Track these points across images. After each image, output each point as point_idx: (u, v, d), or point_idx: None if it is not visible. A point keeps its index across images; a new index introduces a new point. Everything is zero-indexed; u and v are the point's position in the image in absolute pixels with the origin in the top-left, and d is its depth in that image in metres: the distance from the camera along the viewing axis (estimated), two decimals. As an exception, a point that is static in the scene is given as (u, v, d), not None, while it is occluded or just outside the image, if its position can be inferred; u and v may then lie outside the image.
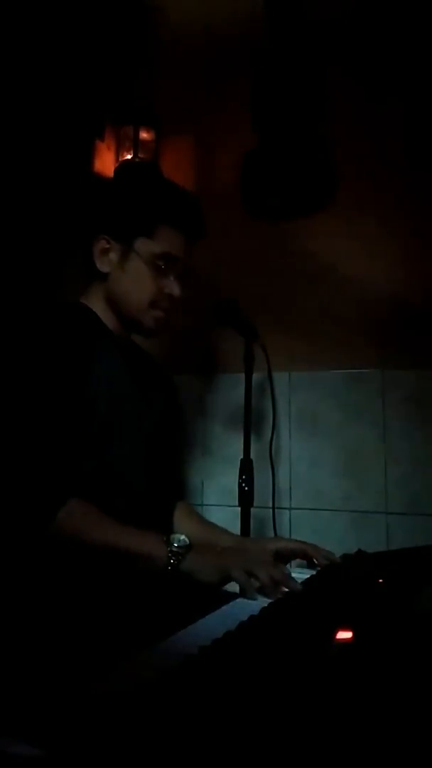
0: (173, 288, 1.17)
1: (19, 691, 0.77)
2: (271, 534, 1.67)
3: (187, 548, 0.96)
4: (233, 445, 1.69)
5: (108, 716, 0.46)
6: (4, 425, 1.00)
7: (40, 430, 0.99)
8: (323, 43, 1.79)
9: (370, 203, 1.75)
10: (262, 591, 0.90)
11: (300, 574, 1.02)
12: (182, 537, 0.98)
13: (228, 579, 0.94)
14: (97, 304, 1.19)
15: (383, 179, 1.74)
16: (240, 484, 1.54)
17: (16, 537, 0.98)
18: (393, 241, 1.71)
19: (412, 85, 1.70)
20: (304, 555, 1.17)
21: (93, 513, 0.99)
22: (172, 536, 0.98)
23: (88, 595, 0.98)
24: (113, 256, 1.16)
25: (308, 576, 1.00)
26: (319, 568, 1.12)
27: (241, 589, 0.92)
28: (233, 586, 0.96)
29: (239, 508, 1.54)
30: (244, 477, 1.54)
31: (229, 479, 1.61)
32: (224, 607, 0.85)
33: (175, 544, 0.96)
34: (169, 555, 0.95)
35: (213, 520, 1.73)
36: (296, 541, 1.22)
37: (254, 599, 0.88)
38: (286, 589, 0.90)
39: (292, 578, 0.91)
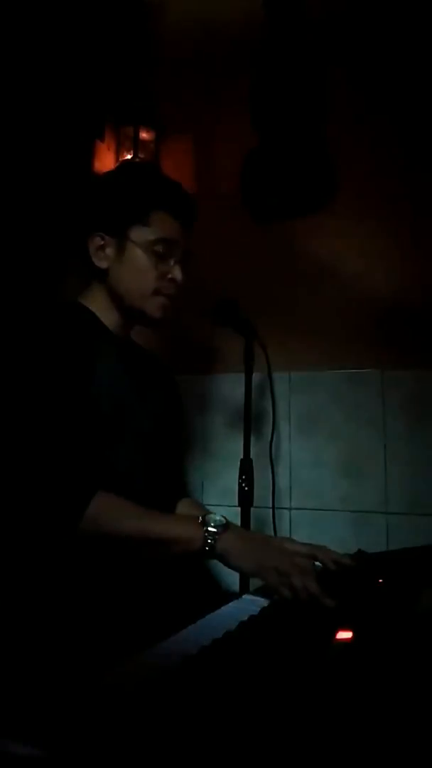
0: (175, 272, 1.15)
1: (19, 691, 0.77)
2: (271, 534, 1.67)
3: (223, 527, 0.94)
4: (233, 445, 1.69)
5: (108, 716, 0.46)
6: (16, 428, 0.99)
7: (56, 431, 0.97)
8: (323, 43, 1.79)
9: (370, 203, 1.75)
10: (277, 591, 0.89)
11: None
12: (218, 517, 0.95)
13: (259, 573, 0.91)
14: (96, 303, 1.18)
15: (383, 179, 1.74)
16: (240, 484, 1.54)
17: (47, 534, 0.95)
18: (393, 241, 1.71)
19: (412, 85, 1.70)
20: (314, 559, 1.15)
21: (119, 503, 0.96)
22: (208, 516, 0.95)
23: (89, 596, 0.98)
24: (109, 251, 1.15)
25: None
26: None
27: (264, 586, 0.90)
28: (234, 585, 0.95)
29: (239, 508, 1.53)
30: (244, 477, 1.54)
31: (229, 479, 1.61)
32: (224, 607, 0.85)
33: (212, 524, 0.93)
34: (206, 535, 0.93)
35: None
36: (306, 544, 1.19)
37: (270, 599, 0.88)
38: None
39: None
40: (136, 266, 1.14)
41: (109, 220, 1.15)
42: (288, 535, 1.72)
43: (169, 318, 1.20)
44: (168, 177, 1.22)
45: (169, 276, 1.15)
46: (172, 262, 1.16)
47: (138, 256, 1.14)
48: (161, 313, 1.17)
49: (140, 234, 1.14)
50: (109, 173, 1.32)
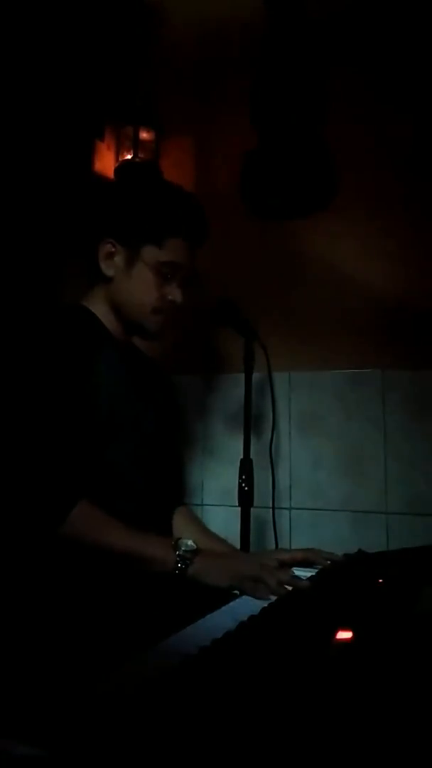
0: (176, 295, 1.19)
1: (20, 691, 0.77)
2: (271, 534, 1.68)
3: (193, 552, 0.97)
4: (233, 445, 1.69)
5: (108, 716, 0.46)
6: (11, 428, 1.00)
7: (48, 433, 0.99)
8: (325, 43, 1.79)
9: (370, 203, 1.75)
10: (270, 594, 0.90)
11: (300, 572, 1.02)
12: (189, 542, 0.99)
13: (235, 586, 0.94)
14: (98, 306, 1.20)
15: (384, 179, 1.74)
16: (240, 484, 1.54)
17: (27, 538, 0.98)
18: (393, 241, 1.71)
19: (413, 85, 1.70)
20: (307, 562, 1.16)
21: (101, 516, 0.99)
22: (180, 540, 0.99)
23: (89, 596, 0.98)
24: (118, 260, 1.17)
25: (308, 575, 1.00)
26: (319, 567, 1.12)
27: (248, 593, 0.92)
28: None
29: (239, 508, 1.53)
30: (244, 477, 1.54)
31: (229, 479, 1.60)
32: (224, 607, 0.85)
33: (183, 548, 0.97)
34: (177, 559, 0.96)
35: (213, 520, 1.74)
36: (297, 550, 1.20)
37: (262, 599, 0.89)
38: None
39: (300, 579, 0.92)
40: (141, 283, 1.17)
41: (124, 232, 1.17)
42: (288, 536, 1.73)
43: (164, 332, 1.24)
44: (188, 196, 1.23)
45: (170, 297, 1.18)
46: (174, 284, 1.18)
47: (145, 274, 1.16)
48: (157, 330, 1.22)
49: (152, 254, 1.16)
50: (124, 178, 1.33)
